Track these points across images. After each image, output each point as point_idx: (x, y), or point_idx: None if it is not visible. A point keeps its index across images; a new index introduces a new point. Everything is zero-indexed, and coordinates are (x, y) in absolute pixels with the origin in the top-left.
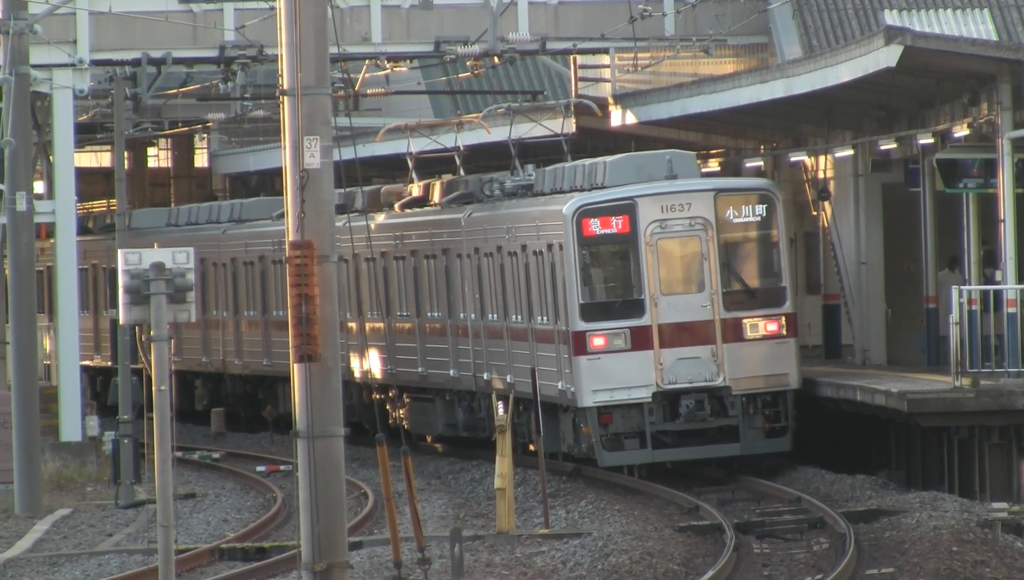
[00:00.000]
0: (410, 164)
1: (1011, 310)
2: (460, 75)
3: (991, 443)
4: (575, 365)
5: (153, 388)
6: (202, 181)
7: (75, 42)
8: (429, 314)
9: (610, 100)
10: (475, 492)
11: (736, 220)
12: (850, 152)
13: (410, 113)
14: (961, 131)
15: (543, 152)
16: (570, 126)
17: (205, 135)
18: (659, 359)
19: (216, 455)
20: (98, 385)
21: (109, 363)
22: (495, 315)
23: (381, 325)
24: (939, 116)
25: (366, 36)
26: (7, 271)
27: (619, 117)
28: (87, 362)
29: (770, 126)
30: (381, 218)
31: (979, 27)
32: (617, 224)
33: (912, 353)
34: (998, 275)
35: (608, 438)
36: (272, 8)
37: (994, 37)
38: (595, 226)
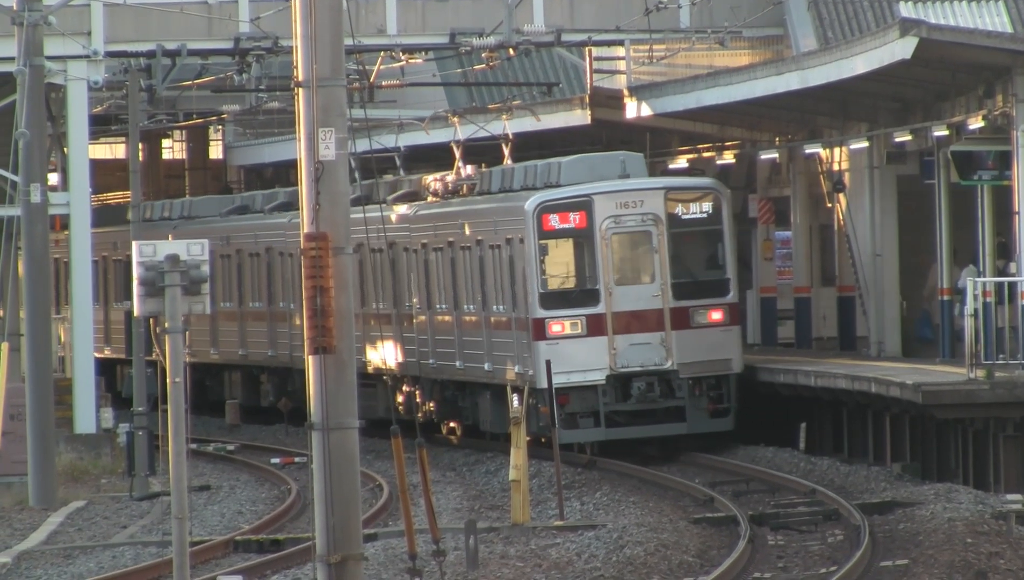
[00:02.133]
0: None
1: None
2: (475, 67)
3: (1006, 435)
4: (535, 349)
5: (168, 380)
6: (217, 173)
7: (90, 34)
8: (374, 305)
9: (625, 92)
10: (490, 484)
11: (685, 216)
12: (865, 144)
13: (425, 105)
14: (976, 123)
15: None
16: (516, 126)
17: (220, 127)
18: (612, 345)
19: (231, 447)
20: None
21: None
22: (443, 305)
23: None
24: (954, 108)
25: (381, 28)
26: (21, 263)
27: (634, 109)
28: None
29: (785, 118)
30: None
31: (994, 19)
32: (575, 219)
33: (928, 345)
34: (1012, 267)
35: (565, 417)
36: (287, 0)
37: (1009, 29)
38: (554, 221)
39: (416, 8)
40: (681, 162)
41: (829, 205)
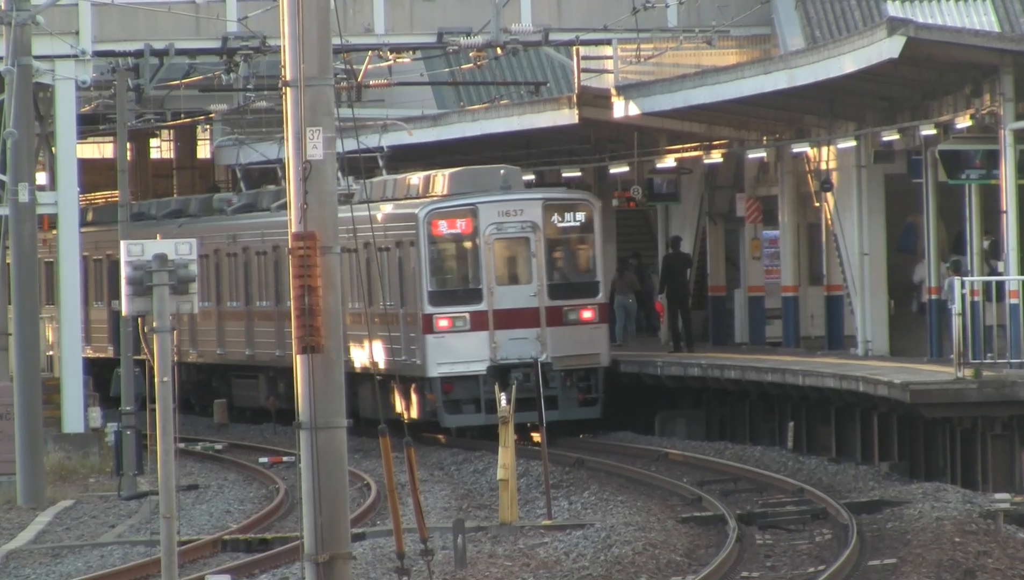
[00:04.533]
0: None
1: (1013, 301)
2: (463, 66)
3: (994, 434)
4: (423, 342)
5: (156, 379)
6: (205, 173)
7: (77, 33)
8: (258, 303)
9: (613, 91)
10: (478, 483)
11: (560, 225)
12: (853, 143)
13: (413, 104)
14: (964, 122)
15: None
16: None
17: (208, 126)
18: (493, 339)
19: (219, 446)
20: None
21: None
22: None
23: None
24: (942, 107)
25: (369, 27)
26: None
27: (622, 108)
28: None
29: (773, 117)
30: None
31: (982, 18)
32: (461, 225)
33: (916, 344)
34: (1001, 266)
35: (449, 403)
36: None
37: (996, 28)
38: (443, 226)
39: (404, 7)
40: (669, 161)
41: (817, 204)
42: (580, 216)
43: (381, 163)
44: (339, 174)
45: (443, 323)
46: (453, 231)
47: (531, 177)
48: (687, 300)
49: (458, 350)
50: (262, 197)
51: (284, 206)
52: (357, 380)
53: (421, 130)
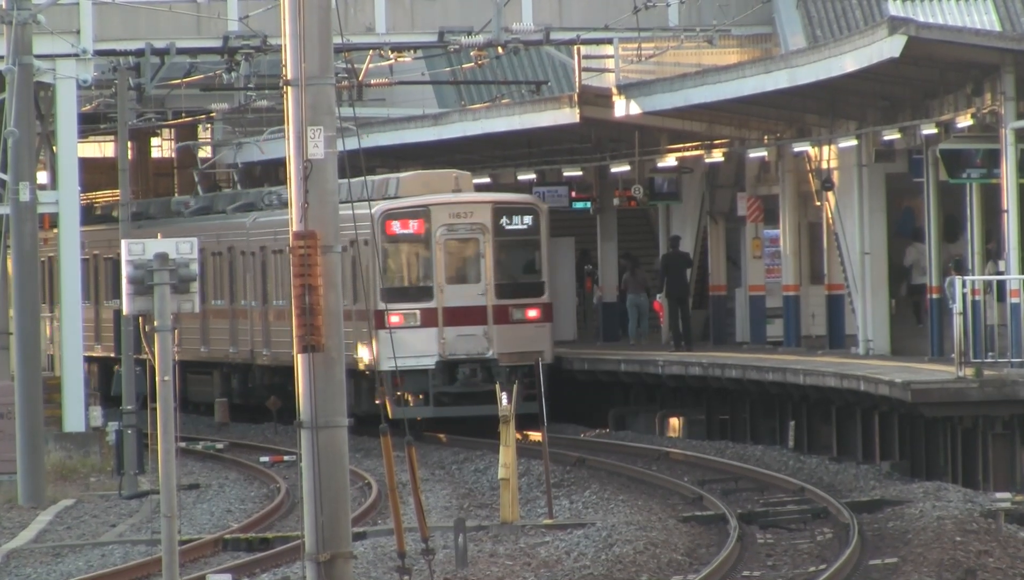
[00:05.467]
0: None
1: (1015, 300)
2: (464, 65)
3: (995, 433)
4: (375, 337)
5: (158, 378)
6: (206, 172)
7: (79, 32)
8: (213, 302)
9: (614, 90)
10: (479, 482)
11: (508, 227)
12: (854, 142)
13: (414, 104)
14: (965, 121)
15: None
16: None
17: (209, 125)
18: (442, 335)
19: (220, 445)
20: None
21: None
22: (282, 301)
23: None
24: (943, 106)
25: (370, 26)
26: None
27: (623, 107)
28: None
29: (774, 116)
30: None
31: (983, 17)
32: (414, 226)
33: (917, 342)
34: (1002, 265)
35: (399, 396)
36: None
37: (998, 27)
38: (396, 227)
39: (405, 6)
40: (670, 160)
41: (818, 203)
42: (528, 219)
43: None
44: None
45: (395, 319)
46: (406, 231)
47: (487, 180)
48: (686, 299)
49: (408, 345)
50: (218, 200)
51: (240, 209)
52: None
53: (422, 129)
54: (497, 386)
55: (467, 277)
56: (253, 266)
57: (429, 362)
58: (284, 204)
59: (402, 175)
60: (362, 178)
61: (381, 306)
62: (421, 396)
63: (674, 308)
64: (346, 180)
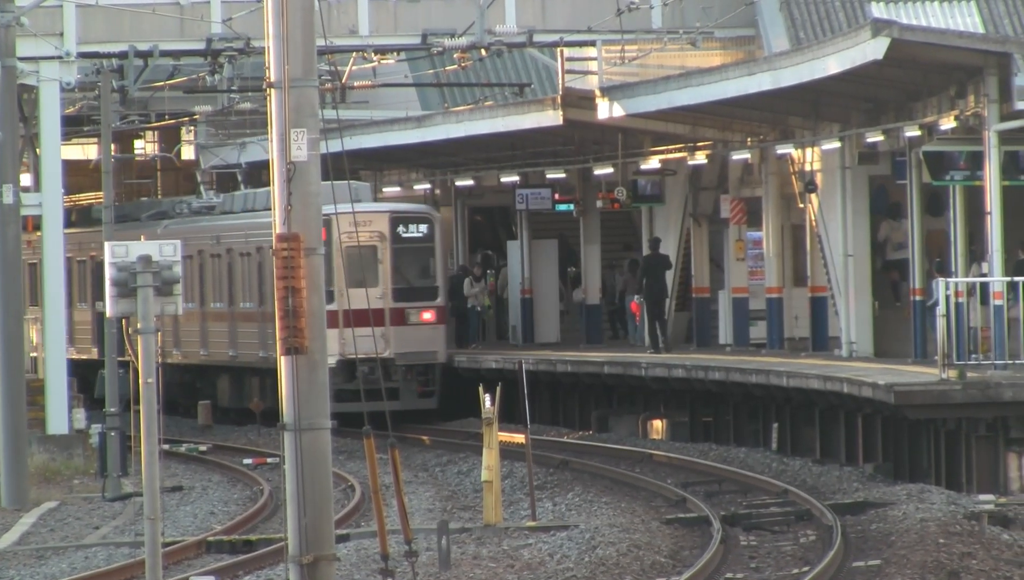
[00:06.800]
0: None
1: (998, 302)
2: (447, 68)
3: (978, 435)
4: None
5: (141, 381)
6: (188, 174)
7: (62, 35)
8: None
9: (597, 92)
10: (462, 484)
11: (405, 235)
12: (837, 144)
13: (397, 106)
14: (948, 123)
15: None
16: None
17: (192, 128)
18: (343, 336)
19: (203, 448)
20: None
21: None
22: (191, 304)
23: None
24: (926, 108)
25: (353, 28)
26: None
27: (606, 109)
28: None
29: (757, 118)
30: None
31: (966, 19)
32: None
33: (901, 345)
34: (985, 268)
35: None
36: (259, 0)
37: (981, 29)
38: None
39: (388, 9)
40: (653, 162)
41: (801, 205)
42: (423, 228)
43: (240, 178)
44: (201, 187)
45: None
46: None
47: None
48: (663, 302)
49: None
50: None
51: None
52: (215, 373)
53: (405, 132)
54: (480, 389)
55: (366, 282)
56: None
57: (331, 361)
58: (194, 213)
59: None
60: (266, 189)
61: None
62: None
63: (652, 311)
64: (253, 190)
